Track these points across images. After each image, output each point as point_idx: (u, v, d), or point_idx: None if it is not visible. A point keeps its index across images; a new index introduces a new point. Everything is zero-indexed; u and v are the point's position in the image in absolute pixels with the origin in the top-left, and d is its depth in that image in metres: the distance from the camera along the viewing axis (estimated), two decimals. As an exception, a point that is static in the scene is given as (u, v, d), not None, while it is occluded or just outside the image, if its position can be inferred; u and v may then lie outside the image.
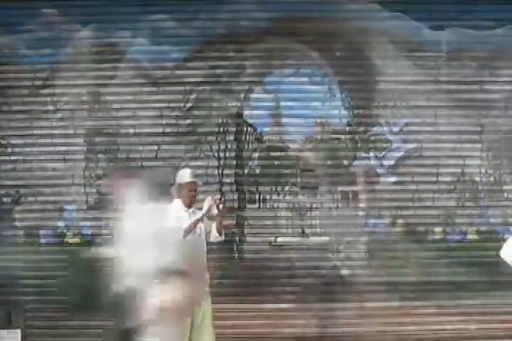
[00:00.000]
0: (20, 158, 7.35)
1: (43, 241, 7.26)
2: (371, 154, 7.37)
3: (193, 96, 7.37)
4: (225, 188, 7.32)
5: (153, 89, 7.37)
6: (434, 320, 7.11)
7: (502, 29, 7.31)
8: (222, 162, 7.31)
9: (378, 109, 7.38)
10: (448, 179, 7.27)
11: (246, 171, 7.39)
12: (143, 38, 7.33)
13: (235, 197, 7.35)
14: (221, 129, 7.36)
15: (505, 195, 6.92)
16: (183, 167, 6.38)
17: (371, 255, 7.29)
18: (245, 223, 7.35)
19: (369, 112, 7.39)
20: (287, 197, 7.39)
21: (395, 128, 7.35)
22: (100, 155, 7.35)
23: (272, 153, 7.47)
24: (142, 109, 7.35)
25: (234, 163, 7.38)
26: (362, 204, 7.37)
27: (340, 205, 7.37)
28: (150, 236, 4.35)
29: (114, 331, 4.45)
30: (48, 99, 7.39)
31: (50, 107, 7.38)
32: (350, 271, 7.25)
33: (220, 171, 7.31)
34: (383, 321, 7.12)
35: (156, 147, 7.34)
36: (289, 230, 7.38)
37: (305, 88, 7.38)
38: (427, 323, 7.06)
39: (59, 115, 7.37)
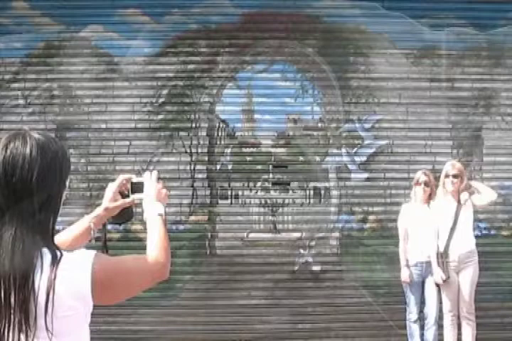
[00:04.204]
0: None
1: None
2: (343, 150, 7.40)
3: (165, 91, 7.34)
4: (196, 184, 7.31)
5: (125, 84, 7.33)
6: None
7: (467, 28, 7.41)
8: (194, 157, 7.30)
9: (350, 105, 7.41)
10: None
11: (218, 167, 7.37)
12: (115, 33, 7.29)
13: (207, 192, 7.34)
14: (193, 125, 7.34)
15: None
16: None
17: (342, 251, 7.33)
18: (217, 219, 7.34)
19: (341, 109, 7.41)
20: (259, 193, 7.39)
21: (367, 125, 7.38)
22: (71, 151, 7.29)
23: (244, 149, 7.46)
24: (114, 104, 7.30)
25: (206, 158, 7.36)
26: (334, 201, 7.39)
27: (312, 201, 7.39)
28: None
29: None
30: (19, 93, 7.30)
31: (21, 101, 7.30)
32: (321, 267, 7.29)
33: (192, 167, 7.30)
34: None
35: (127, 142, 7.30)
36: (261, 226, 7.38)
37: (277, 84, 7.39)
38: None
39: (30, 109, 7.29)
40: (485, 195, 6.32)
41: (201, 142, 7.34)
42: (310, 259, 7.31)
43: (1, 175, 1.88)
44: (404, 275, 6.45)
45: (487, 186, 6.43)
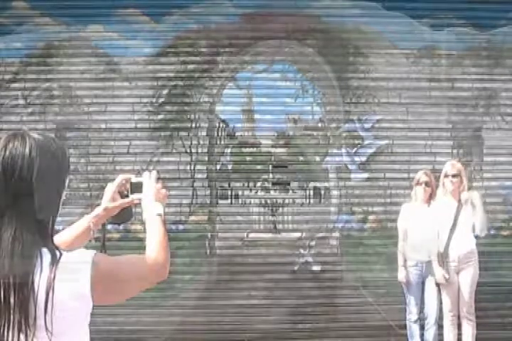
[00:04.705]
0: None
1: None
2: (343, 150, 7.40)
3: (165, 91, 7.34)
4: (196, 184, 7.31)
5: (125, 84, 7.32)
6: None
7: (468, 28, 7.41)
8: (194, 157, 7.29)
9: (350, 105, 7.41)
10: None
11: (218, 167, 7.37)
12: (115, 33, 7.29)
13: (207, 192, 7.34)
14: (193, 125, 7.34)
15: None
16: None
17: (342, 251, 7.33)
18: (217, 219, 7.34)
19: (341, 109, 7.41)
20: (259, 193, 7.39)
21: (367, 125, 7.38)
22: (71, 151, 7.28)
23: (244, 149, 7.46)
24: (114, 104, 7.30)
25: (206, 158, 7.36)
26: (334, 201, 7.39)
27: (312, 201, 7.39)
28: None
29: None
30: (19, 93, 7.30)
31: (21, 101, 7.29)
32: (321, 267, 7.28)
33: (192, 167, 7.30)
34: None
35: (127, 142, 7.30)
36: (261, 226, 7.38)
37: (277, 84, 7.39)
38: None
39: (30, 109, 7.29)
40: (479, 224, 6.30)
41: (201, 142, 7.34)
42: (310, 259, 7.31)
43: (1, 176, 1.89)
44: (401, 275, 6.45)
45: (485, 215, 6.34)
